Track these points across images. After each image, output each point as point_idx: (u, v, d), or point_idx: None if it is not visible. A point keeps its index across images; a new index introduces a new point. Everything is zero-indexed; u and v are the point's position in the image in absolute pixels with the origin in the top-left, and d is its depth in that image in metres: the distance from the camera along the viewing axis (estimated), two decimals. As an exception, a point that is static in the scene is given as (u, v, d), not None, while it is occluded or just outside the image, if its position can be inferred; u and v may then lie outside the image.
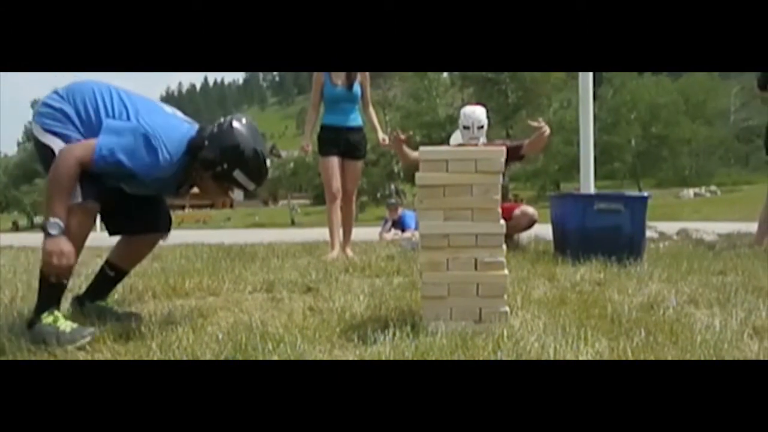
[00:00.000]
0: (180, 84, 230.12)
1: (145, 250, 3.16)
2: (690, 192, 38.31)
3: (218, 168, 2.72)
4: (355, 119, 5.82)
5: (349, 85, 5.71)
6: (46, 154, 2.65)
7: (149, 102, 2.86)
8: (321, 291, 3.63)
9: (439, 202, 2.75)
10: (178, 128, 2.78)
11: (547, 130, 5.52)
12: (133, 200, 2.92)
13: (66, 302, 2.93)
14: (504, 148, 2.80)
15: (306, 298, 3.46)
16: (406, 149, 5.55)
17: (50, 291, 2.64)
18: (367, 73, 5.89)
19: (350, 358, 2.28)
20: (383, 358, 2.22)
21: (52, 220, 2.49)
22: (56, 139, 2.64)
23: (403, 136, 5.43)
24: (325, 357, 2.31)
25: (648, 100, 48.97)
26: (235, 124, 2.75)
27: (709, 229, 7.55)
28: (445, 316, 2.67)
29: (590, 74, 6.80)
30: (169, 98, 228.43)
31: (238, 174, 2.73)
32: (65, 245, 2.49)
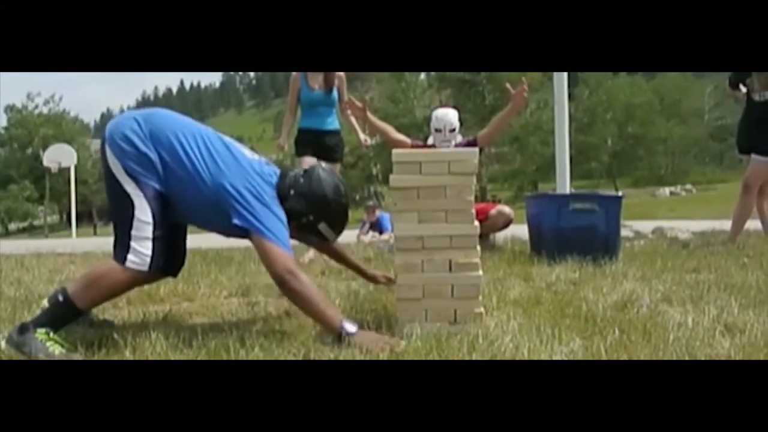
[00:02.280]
0: (156, 88, 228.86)
1: None
2: (666, 191, 38.67)
3: (303, 219, 2.72)
4: (332, 123, 5.82)
5: (328, 89, 5.71)
6: (119, 194, 2.58)
7: (232, 146, 2.76)
8: (297, 294, 3.61)
9: (413, 205, 2.75)
10: (270, 177, 2.73)
11: (524, 93, 5.16)
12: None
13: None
14: (477, 149, 2.81)
15: (282, 302, 3.44)
16: (373, 118, 5.24)
17: (65, 315, 2.54)
18: (344, 77, 5.89)
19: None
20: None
21: (343, 325, 2.47)
22: (137, 189, 2.56)
23: (360, 104, 5.10)
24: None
25: (623, 100, 49.36)
26: (323, 175, 2.74)
27: (684, 228, 7.63)
28: (420, 318, 2.67)
29: (565, 75, 6.85)
30: (145, 102, 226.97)
31: (323, 227, 2.75)
32: (387, 341, 2.43)
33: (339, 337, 2.46)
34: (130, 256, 2.55)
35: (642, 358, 2.22)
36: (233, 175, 2.63)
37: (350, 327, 2.48)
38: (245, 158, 2.74)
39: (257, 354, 2.33)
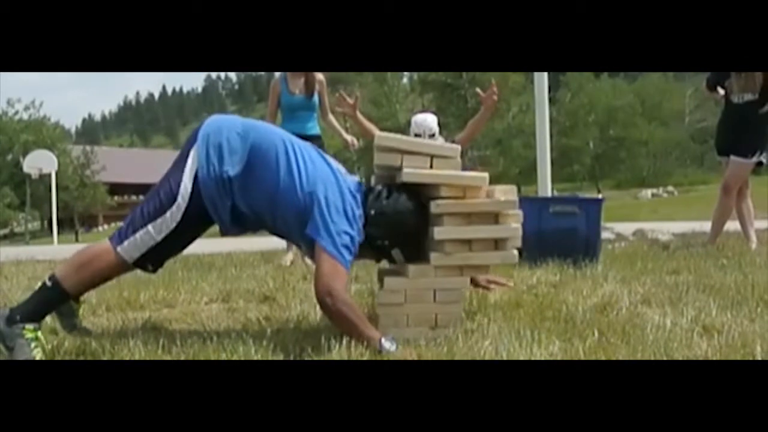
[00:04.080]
0: (138, 93, 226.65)
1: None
2: (648, 192, 38.85)
3: (378, 242, 2.67)
4: (313, 128, 5.81)
5: (309, 94, 5.70)
6: (172, 185, 2.59)
7: (332, 164, 2.75)
8: (278, 300, 3.60)
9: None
10: (358, 195, 2.69)
11: (494, 96, 5.04)
12: None
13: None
14: (459, 146, 2.82)
15: (263, 308, 3.43)
16: (360, 117, 5.07)
17: (52, 299, 2.55)
18: (324, 82, 5.88)
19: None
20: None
21: (381, 344, 2.40)
22: (188, 195, 2.56)
23: (351, 100, 4.92)
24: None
25: (605, 103, 49.56)
26: (406, 201, 2.68)
27: (666, 229, 7.69)
28: (401, 323, 2.66)
29: (546, 78, 6.89)
30: (126, 107, 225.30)
31: (396, 253, 2.70)
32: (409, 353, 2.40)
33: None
34: (128, 244, 2.56)
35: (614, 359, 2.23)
36: (328, 188, 2.60)
37: (388, 345, 2.40)
38: (341, 176, 2.71)
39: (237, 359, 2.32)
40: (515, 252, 2.73)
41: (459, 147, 2.81)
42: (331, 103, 5.96)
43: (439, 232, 2.65)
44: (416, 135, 5.66)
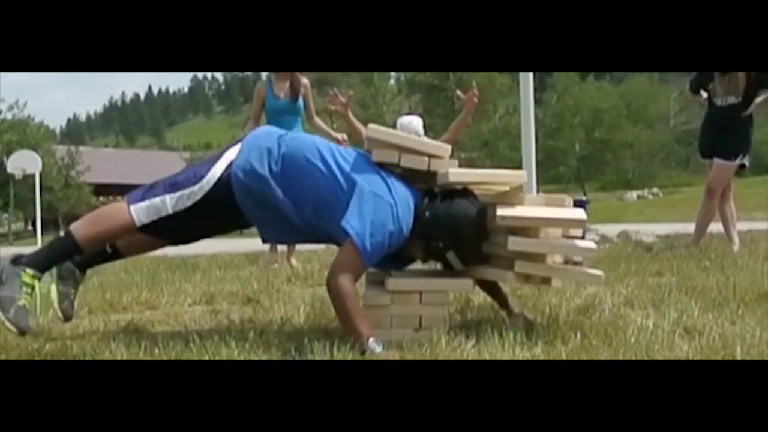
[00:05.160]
0: (123, 93, 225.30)
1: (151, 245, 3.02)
2: (633, 194, 39.05)
3: (433, 244, 2.65)
4: (298, 132, 5.79)
5: (294, 98, 5.69)
6: (204, 166, 2.70)
7: (364, 159, 2.76)
8: (262, 302, 3.60)
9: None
10: (403, 191, 2.67)
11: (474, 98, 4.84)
12: None
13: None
14: (449, 146, 2.82)
15: (246, 310, 3.42)
16: (351, 116, 4.97)
17: (61, 249, 2.64)
18: (308, 85, 5.88)
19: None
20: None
21: (369, 342, 2.40)
22: (215, 180, 2.64)
23: (344, 99, 4.79)
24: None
25: (591, 105, 49.80)
26: (464, 203, 2.66)
27: (650, 231, 7.72)
28: (385, 325, 2.66)
29: (531, 79, 6.90)
30: (112, 107, 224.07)
31: (451, 255, 2.66)
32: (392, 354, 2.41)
33: (363, 352, 2.41)
34: (141, 205, 2.62)
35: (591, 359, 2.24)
36: (371, 183, 2.62)
37: (375, 346, 2.40)
38: (386, 174, 2.70)
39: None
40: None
41: (449, 147, 2.81)
42: (317, 105, 5.97)
43: (513, 243, 2.59)
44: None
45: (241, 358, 2.36)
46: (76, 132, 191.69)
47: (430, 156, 2.75)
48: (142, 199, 2.63)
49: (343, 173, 2.64)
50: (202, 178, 2.63)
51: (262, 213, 2.69)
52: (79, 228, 2.60)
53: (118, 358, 2.42)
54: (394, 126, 4.77)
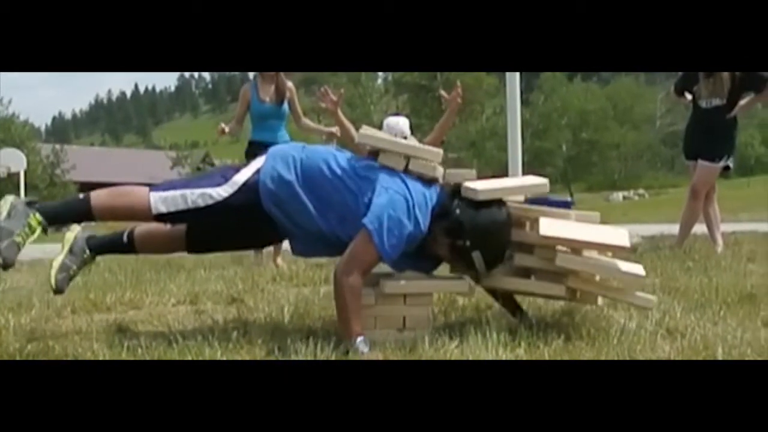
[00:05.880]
0: (110, 91, 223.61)
1: (167, 247, 3.04)
2: (619, 195, 39.27)
3: (459, 242, 2.62)
4: (283, 136, 5.75)
5: (279, 102, 5.67)
6: (229, 169, 2.77)
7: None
8: (246, 302, 3.58)
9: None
10: (421, 188, 2.68)
11: (458, 98, 4.90)
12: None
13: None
14: (440, 150, 2.82)
15: (230, 310, 3.41)
16: (341, 115, 4.88)
17: (75, 209, 2.71)
18: (294, 89, 5.86)
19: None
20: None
21: (356, 340, 2.43)
22: (236, 187, 2.67)
23: (335, 97, 4.65)
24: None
25: (578, 106, 50.07)
26: (495, 205, 2.67)
27: (635, 232, 7.75)
28: (369, 325, 2.66)
29: (517, 81, 6.90)
30: (98, 106, 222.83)
31: (476, 255, 2.63)
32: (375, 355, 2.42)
33: (347, 351, 2.42)
34: (162, 195, 2.64)
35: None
36: (388, 180, 2.65)
37: (362, 345, 2.42)
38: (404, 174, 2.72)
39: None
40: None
41: (441, 151, 2.80)
42: (305, 105, 5.94)
43: (562, 259, 2.67)
44: (387, 138, 5.65)
45: (224, 359, 2.36)
46: (62, 130, 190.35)
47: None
48: (165, 189, 2.68)
49: (361, 177, 2.67)
50: (227, 181, 2.67)
51: (290, 224, 2.72)
52: (98, 196, 2.65)
53: (101, 359, 2.41)
54: (380, 126, 4.76)
